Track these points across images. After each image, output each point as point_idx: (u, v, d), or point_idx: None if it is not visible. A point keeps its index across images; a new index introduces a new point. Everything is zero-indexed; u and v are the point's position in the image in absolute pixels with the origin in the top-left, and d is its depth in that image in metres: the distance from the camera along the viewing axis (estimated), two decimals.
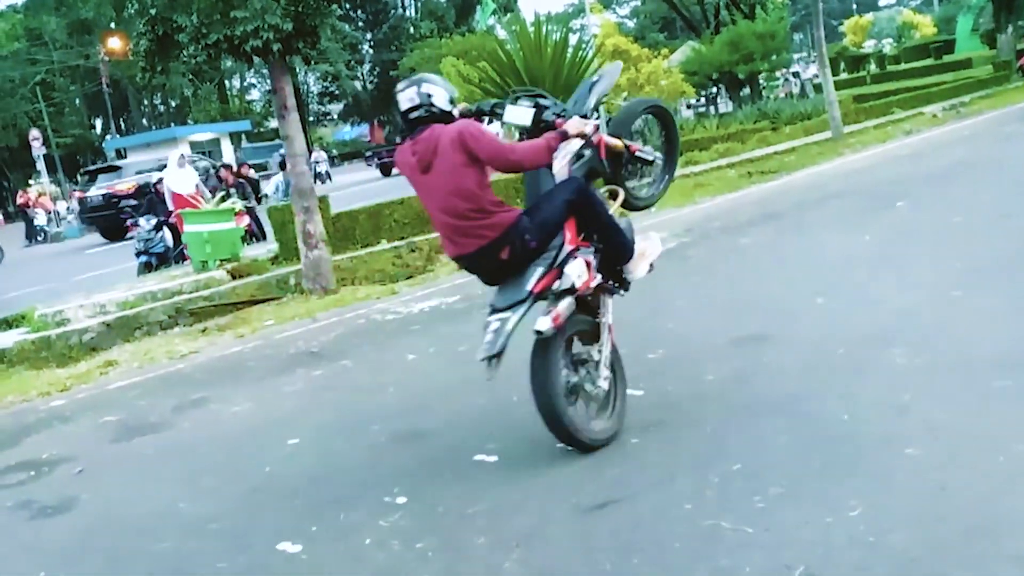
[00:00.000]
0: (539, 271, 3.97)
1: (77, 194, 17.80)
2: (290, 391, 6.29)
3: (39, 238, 27.54)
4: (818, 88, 24.93)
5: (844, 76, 37.12)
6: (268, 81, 11.36)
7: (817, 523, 3.15)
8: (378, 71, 60.09)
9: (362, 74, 61.44)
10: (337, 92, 60.73)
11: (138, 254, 13.08)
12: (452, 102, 4.09)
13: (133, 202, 19.00)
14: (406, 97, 4.03)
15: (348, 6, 54.70)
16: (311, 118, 58.09)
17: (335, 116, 63.93)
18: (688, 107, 30.16)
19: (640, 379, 4.93)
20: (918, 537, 2.97)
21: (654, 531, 3.30)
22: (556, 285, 3.97)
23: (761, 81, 29.43)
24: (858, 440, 3.77)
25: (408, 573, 3.35)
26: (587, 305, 4.20)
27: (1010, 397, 3.95)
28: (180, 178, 12.58)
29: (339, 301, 9.10)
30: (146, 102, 54.96)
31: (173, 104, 54.96)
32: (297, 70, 46.72)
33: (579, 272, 4.01)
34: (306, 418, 5.59)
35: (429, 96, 4.00)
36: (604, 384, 4.17)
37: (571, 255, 4.06)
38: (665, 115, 4.96)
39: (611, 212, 4.33)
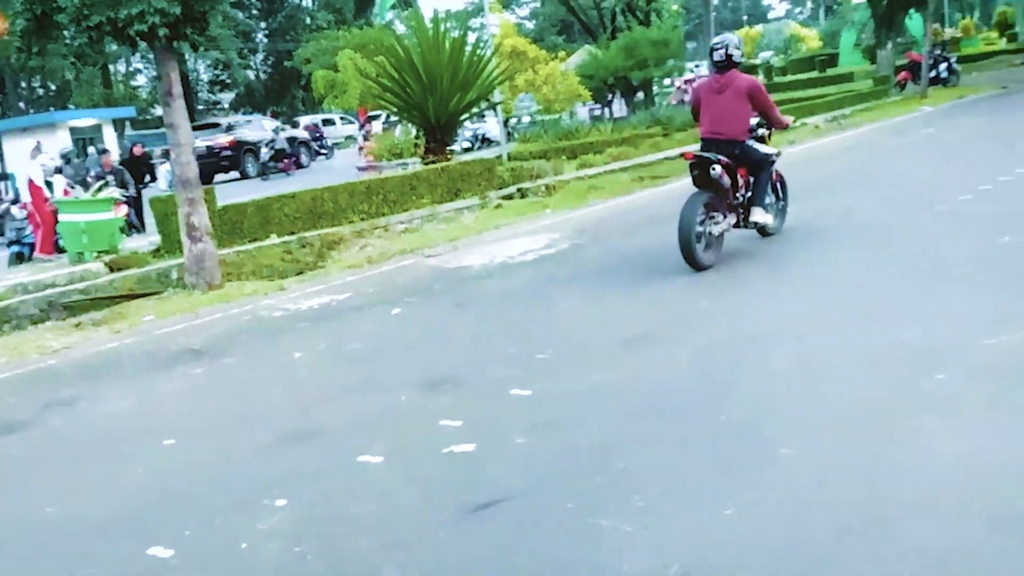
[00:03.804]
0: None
1: None
2: (169, 389, 6.07)
3: None
4: None
5: None
6: (155, 66, 10.93)
7: (693, 522, 3.22)
8: (272, 61, 58.64)
9: (255, 63, 59.86)
10: (228, 81, 58.95)
11: (9, 244, 12.44)
12: (742, 56, 7.38)
13: (230, 153, 26.16)
14: (718, 53, 7.28)
15: None
16: (200, 106, 56.23)
17: (226, 105, 61.98)
18: (590, 110, 30.63)
19: (528, 380, 4.97)
20: (791, 535, 3.06)
21: (537, 531, 3.31)
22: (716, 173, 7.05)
23: (655, 87, 30.04)
24: (735, 440, 3.87)
25: None
26: (728, 197, 7.25)
27: (882, 398, 4.12)
28: (37, 169, 11.90)
29: (224, 296, 8.83)
30: (24, 84, 52.15)
31: (53, 87, 52.30)
32: (186, 56, 45.14)
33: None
34: (184, 418, 5.41)
35: (731, 56, 7.25)
36: (716, 231, 7.11)
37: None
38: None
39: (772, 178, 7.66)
